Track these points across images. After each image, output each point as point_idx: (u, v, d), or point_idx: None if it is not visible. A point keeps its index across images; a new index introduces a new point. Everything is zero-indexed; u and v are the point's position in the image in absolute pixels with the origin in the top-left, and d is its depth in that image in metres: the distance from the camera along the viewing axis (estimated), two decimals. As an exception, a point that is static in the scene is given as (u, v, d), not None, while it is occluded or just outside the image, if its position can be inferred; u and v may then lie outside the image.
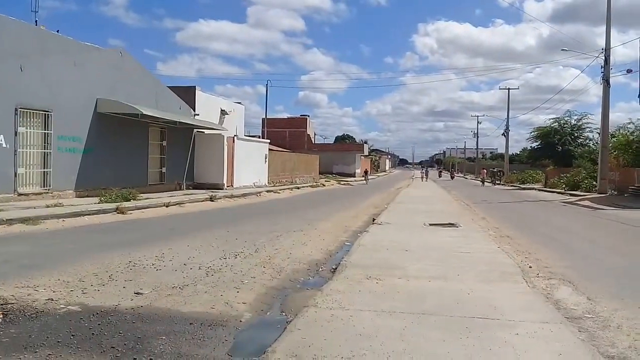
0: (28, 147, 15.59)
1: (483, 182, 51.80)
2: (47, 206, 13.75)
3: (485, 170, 55.86)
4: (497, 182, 52.61)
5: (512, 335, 4.41)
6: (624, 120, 57.15)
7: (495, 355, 4.00)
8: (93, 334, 4.48)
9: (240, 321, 5.05)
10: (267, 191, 27.43)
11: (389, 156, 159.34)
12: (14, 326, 4.63)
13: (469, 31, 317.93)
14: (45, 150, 16.19)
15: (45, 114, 16.06)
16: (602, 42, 29.98)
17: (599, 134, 32.64)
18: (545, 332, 4.54)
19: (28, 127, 15.54)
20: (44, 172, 16.20)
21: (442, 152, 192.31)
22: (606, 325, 5.06)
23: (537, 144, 53.29)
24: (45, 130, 16.12)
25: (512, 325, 4.69)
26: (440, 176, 76.63)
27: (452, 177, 71.88)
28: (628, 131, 31.68)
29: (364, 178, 54.14)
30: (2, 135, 14.47)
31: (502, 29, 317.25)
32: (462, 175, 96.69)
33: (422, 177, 59.92)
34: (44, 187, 16.17)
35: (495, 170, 57.19)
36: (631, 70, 29.32)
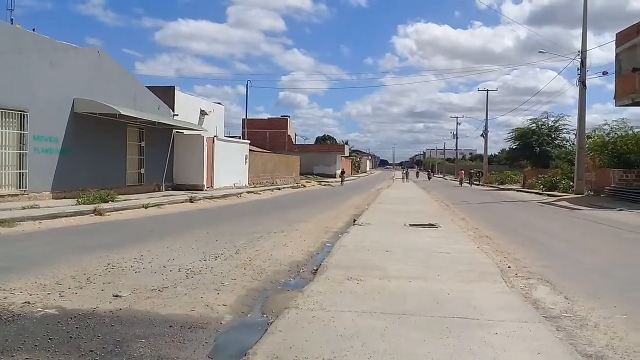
0: (3, 147, 15.31)
1: (461, 183, 53.79)
2: (23, 208, 13.51)
3: (463, 171, 58.06)
4: (474, 182, 54.49)
5: (491, 335, 4.45)
6: (600, 121, 58.67)
7: (475, 354, 4.03)
8: (71, 337, 4.42)
9: (221, 323, 5.02)
10: (248, 192, 27.32)
11: (370, 157, 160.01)
12: (-11, 330, 4.54)
13: (448, 33, 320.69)
14: (21, 151, 15.91)
15: (20, 113, 15.78)
16: (578, 44, 30.51)
17: (576, 135, 33.20)
18: (523, 331, 4.59)
19: (3, 127, 15.26)
20: (20, 173, 15.93)
21: (422, 153, 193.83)
22: (583, 324, 5.14)
23: (515, 144, 54.09)
24: (20, 130, 15.85)
25: (491, 325, 4.73)
26: (417, 176, 77.76)
27: (429, 178, 72.77)
28: (604, 132, 32.23)
29: (340, 179, 50.20)
30: (-24, 136, 14.21)
31: (480, 31, 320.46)
32: (441, 176, 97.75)
33: (402, 178, 59.58)
34: (19, 188, 15.90)
35: (472, 171, 59.29)
36: (607, 73, 29.89)
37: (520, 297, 5.96)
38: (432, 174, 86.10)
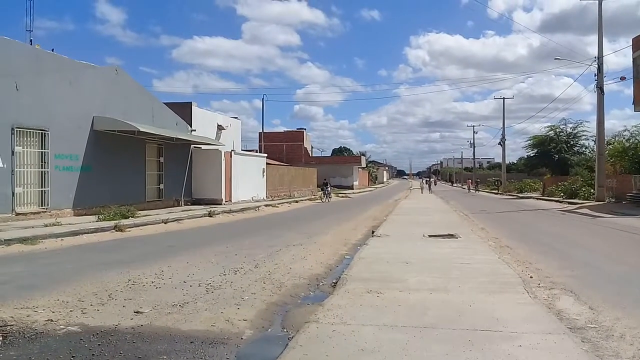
0: (25, 166, 15.57)
1: (469, 190, 63.17)
2: (45, 225, 13.70)
3: (470, 180, 68.89)
4: (478, 190, 62.94)
5: (515, 347, 4.38)
6: (618, 127, 58.29)
7: (499, 368, 3.97)
8: (93, 354, 4.45)
9: (242, 338, 5.02)
10: (266, 205, 27.41)
11: (386, 168, 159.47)
12: (13, 348, 4.59)
13: (460, 43, 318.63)
14: (43, 169, 16.17)
15: (41, 132, 16.06)
16: (592, 51, 30.65)
17: (595, 141, 32.82)
18: (548, 343, 4.51)
19: (25, 147, 15.53)
20: (42, 191, 16.17)
21: (439, 162, 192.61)
22: (609, 335, 5.04)
23: (533, 152, 53.65)
24: (42, 149, 16.12)
25: (515, 337, 4.66)
26: (435, 184, 78.80)
27: (435, 184, 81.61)
28: (624, 138, 31.86)
29: (322, 191, 38.17)
30: (-1, 155, 14.45)
31: (493, 40, 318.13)
32: (459, 185, 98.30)
33: (421, 189, 56.10)
34: (41, 206, 16.13)
35: (477, 180, 69.29)
36: (625, 78, 29.55)
37: (543, 308, 5.87)
38: (436, 181, 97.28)
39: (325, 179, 40.99)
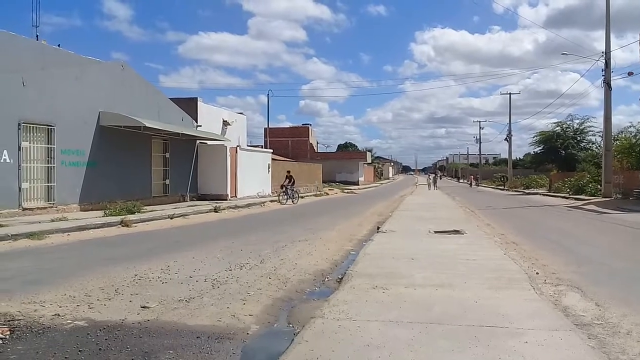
0: (32, 161, 15.62)
1: (471, 184, 68.08)
2: (52, 220, 13.76)
3: (472, 176, 74.90)
4: (478, 184, 69.17)
5: (521, 344, 4.37)
6: (625, 123, 57.88)
7: (505, 364, 3.96)
8: (100, 349, 4.47)
9: (247, 333, 5.03)
10: (271, 201, 27.39)
11: (392, 163, 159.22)
12: (21, 343, 4.62)
13: (466, 38, 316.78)
14: (49, 165, 16.22)
15: (48, 128, 16.11)
16: (598, 46, 30.74)
17: (602, 137, 32.67)
18: (554, 339, 4.50)
19: (31, 142, 15.58)
20: (48, 186, 16.23)
21: (445, 158, 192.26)
22: (616, 331, 5.02)
23: (539, 148, 53.55)
24: (48, 144, 16.16)
25: (521, 333, 4.65)
26: (441, 179, 79.83)
27: (440, 178, 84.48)
28: (630, 134, 31.73)
29: (283, 190, 27.58)
30: (5, 150, 14.50)
31: (498, 35, 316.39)
32: (465, 181, 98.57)
33: (428, 185, 52.43)
34: (48, 201, 16.19)
35: (477, 175, 76.35)
36: (632, 73, 29.41)
37: (549, 304, 5.86)
38: (441, 176, 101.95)
39: (288, 172, 29.31)
